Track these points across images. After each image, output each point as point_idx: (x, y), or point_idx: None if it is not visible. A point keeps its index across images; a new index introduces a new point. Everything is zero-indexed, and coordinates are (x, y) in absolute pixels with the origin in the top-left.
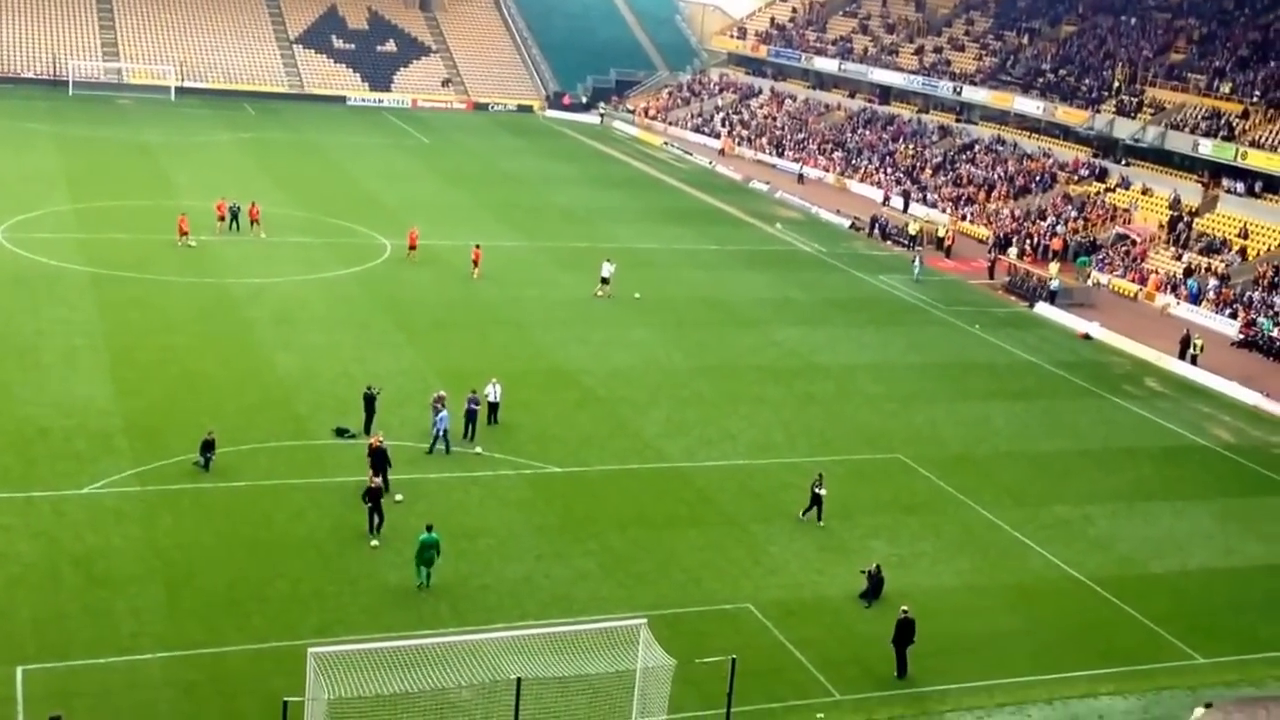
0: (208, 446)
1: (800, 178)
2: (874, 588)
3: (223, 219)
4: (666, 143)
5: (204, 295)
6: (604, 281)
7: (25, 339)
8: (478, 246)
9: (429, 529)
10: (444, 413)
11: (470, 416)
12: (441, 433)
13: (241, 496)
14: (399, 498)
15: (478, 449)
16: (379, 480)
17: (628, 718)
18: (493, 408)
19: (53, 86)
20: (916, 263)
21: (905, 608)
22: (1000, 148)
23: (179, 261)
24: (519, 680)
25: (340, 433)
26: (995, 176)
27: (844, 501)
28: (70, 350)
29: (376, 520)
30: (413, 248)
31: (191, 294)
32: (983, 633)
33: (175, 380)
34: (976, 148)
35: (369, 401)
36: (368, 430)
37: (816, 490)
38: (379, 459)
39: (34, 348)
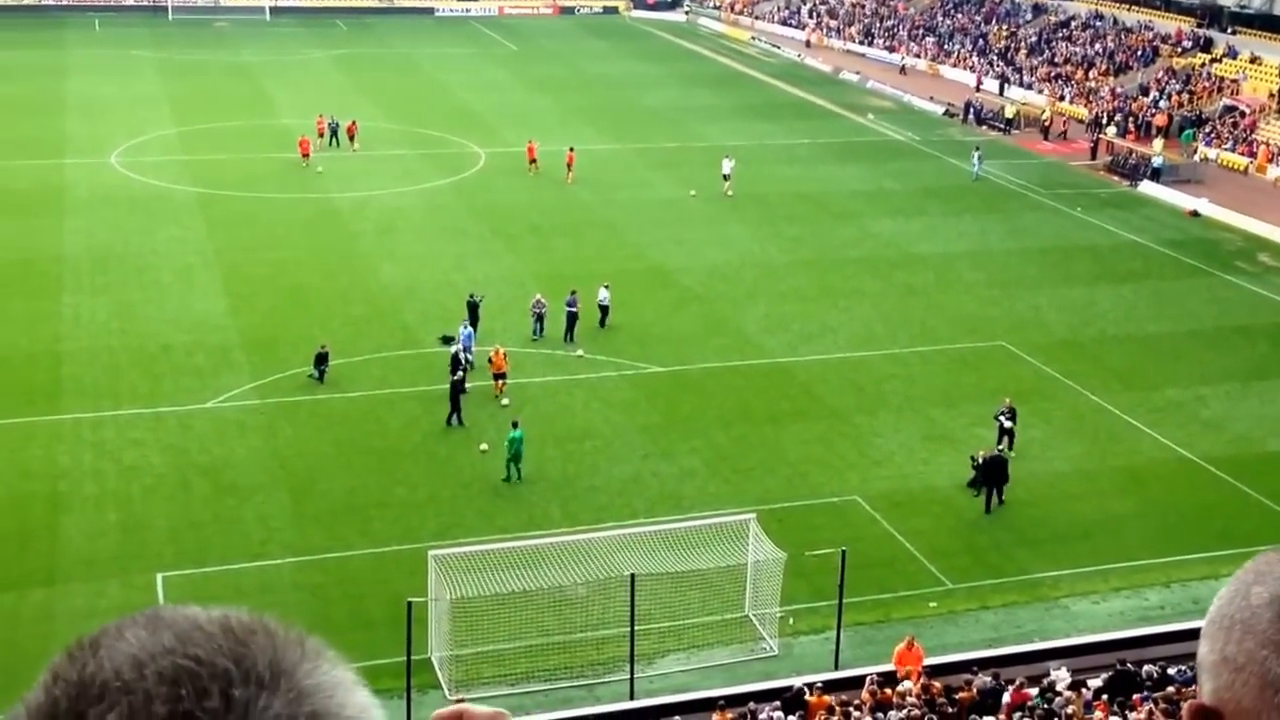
0: (321, 359)
1: (902, 69)
2: (989, 476)
3: (322, 135)
4: (754, 37)
5: (308, 210)
6: (725, 178)
7: (143, 259)
8: (570, 150)
9: (514, 425)
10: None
11: (570, 319)
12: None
13: (356, 406)
14: (484, 447)
15: (580, 352)
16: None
17: (741, 609)
18: (603, 311)
19: (153, 13)
20: (976, 160)
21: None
22: (1098, 23)
23: (283, 178)
24: (633, 576)
25: (446, 340)
26: (1093, 54)
27: (947, 391)
28: (185, 268)
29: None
30: (533, 161)
31: (296, 209)
32: (1096, 517)
33: (285, 294)
34: (1073, 25)
35: (472, 309)
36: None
37: (1004, 421)
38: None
39: (151, 267)
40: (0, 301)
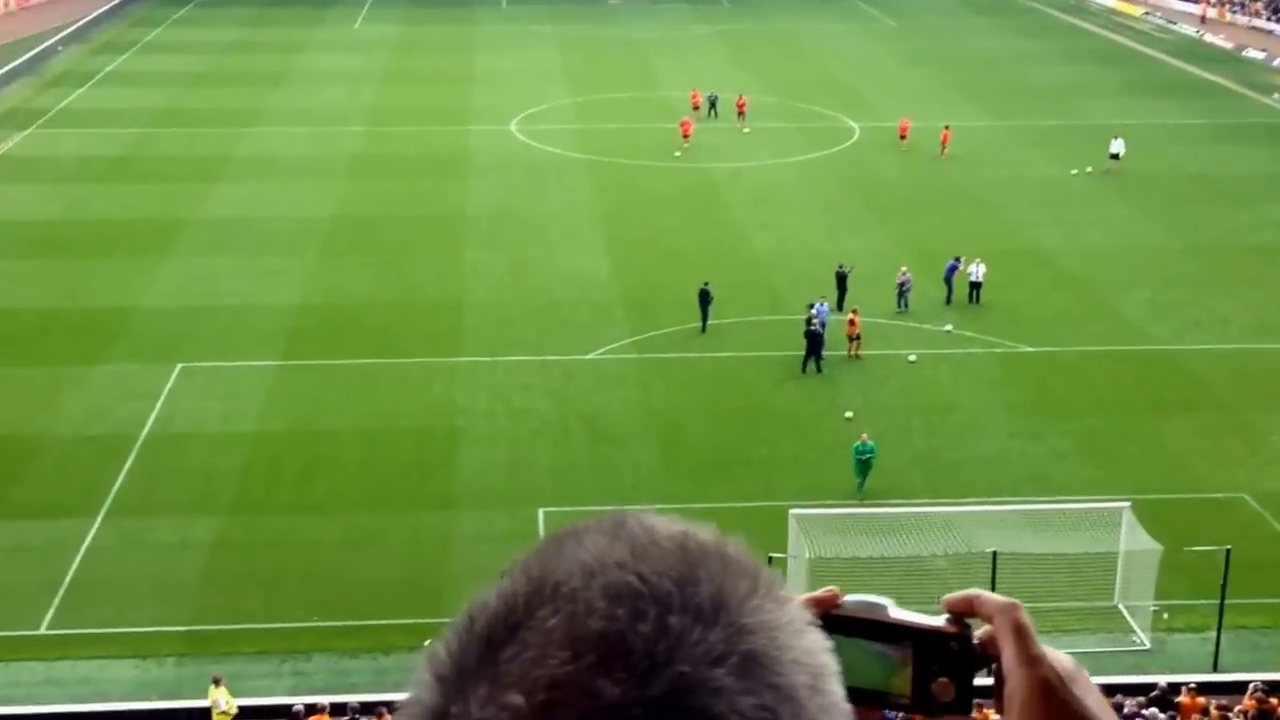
0: (704, 298)
1: None
2: None
3: (697, 108)
4: (1147, 12)
5: (686, 179)
6: (1114, 158)
7: (536, 220)
8: (946, 127)
9: (863, 437)
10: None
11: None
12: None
13: (725, 366)
14: (849, 415)
15: (948, 327)
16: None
17: (1110, 599)
18: (974, 286)
19: None
20: None
21: None
22: None
23: (663, 148)
24: (995, 554)
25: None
26: None
27: None
28: (573, 230)
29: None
30: (903, 136)
31: (675, 178)
32: None
33: (662, 258)
34: None
35: (840, 279)
36: (840, 308)
37: None
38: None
39: (543, 227)
40: (413, 253)
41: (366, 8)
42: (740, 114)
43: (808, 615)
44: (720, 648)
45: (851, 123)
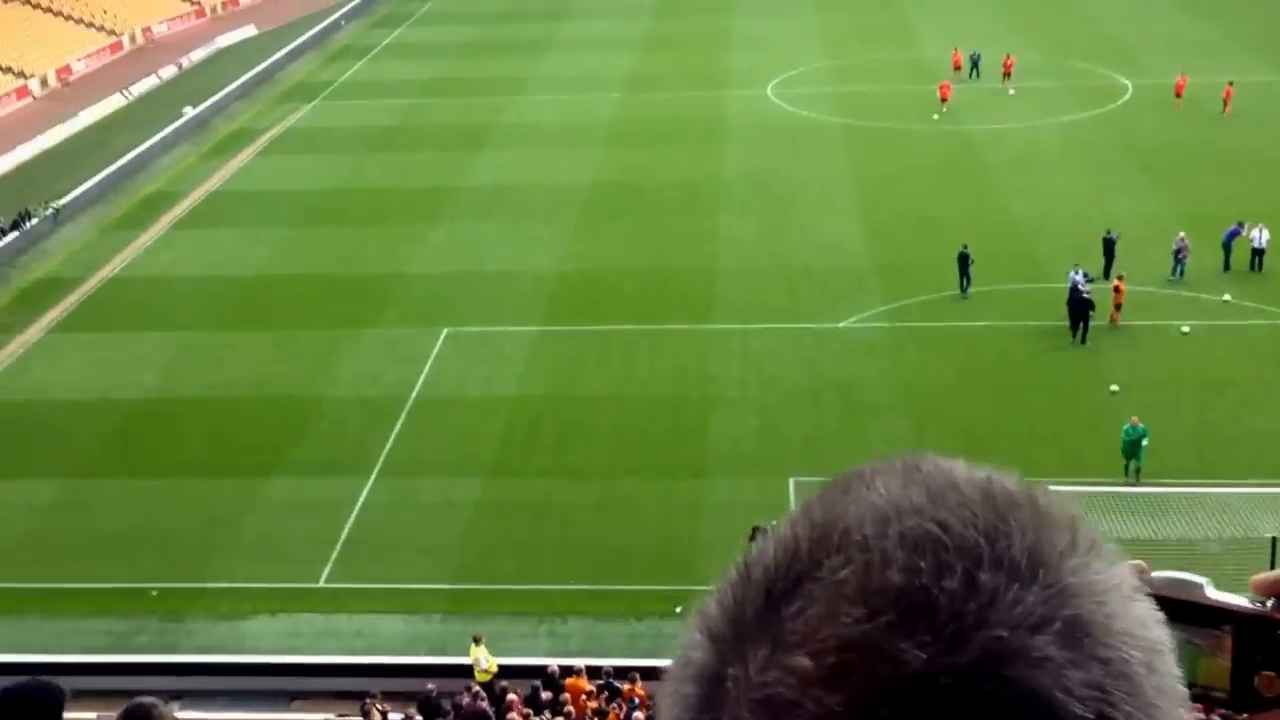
0: (964, 261)
1: None
2: None
3: (958, 68)
4: None
5: (945, 143)
6: None
7: (789, 186)
8: (1229, 83)
9: (1134, 421)
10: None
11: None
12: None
13: (981, 336)
14: (1114, 389)
15: (1226, 297)
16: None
17: None
18: (1257, 253)
19: None
20: None
21: None
22: None
23: (922, 110)
24: (1274, 540)
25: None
26: None
27: None
28: (827, 196)
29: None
30: (1179, 94)
31: (934, 142)
32: None
33: (918, 224)
34: None
35: (1108, 246)
36: (1106, 275)
37: None
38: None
39: (798, 193)
40: (666, 220)
41: None
42: (1007, 74)
43: (1135, 580)
44: (1040, 611)
45: (1123, 80)
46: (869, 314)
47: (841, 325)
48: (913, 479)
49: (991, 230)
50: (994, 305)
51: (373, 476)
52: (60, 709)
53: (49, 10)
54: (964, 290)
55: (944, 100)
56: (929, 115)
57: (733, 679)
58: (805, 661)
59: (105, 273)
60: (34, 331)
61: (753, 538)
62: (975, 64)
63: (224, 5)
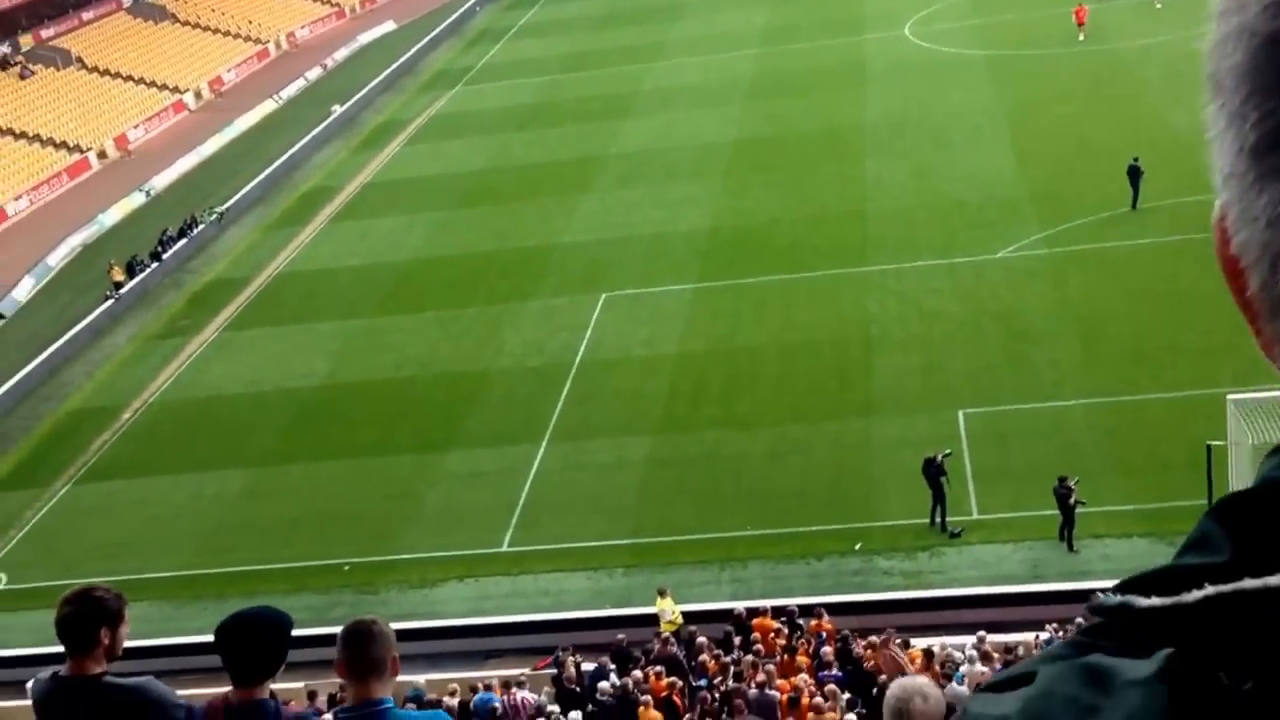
0: (1134, 174)
1: None
2: None
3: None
4: None
5: (1093, 63)
6: None
7: (936, 122)
8: None
9: None
10: None
11: None
12: None
13: (1144, 253)
14: None
15: None
16: None
17: None
18: None
19: None
20: None
21: None
22: None
23: (1067, 33)
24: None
25: None
26: None
27: None
28: (974, 129)
29: None
30: None
31: (1080, 64)
32: None
33: (1071, 148)
34: None
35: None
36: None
37: None
38: None
39: (943, 129)
40: (812, 168)
41: None
42: (1080, 24)
43: None
44: None
45: None
46: (1027, 242)
47: (999, 255)
48: None
49: (1150, 146)
50: (1158, 221)
51: (544, 442)
52: (288, 631)
53: (197, 25)
54: (1134, 205)
55: (1080, 25)
56: (1074, 38)
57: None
58: None
59: (271, 270)
60: (209, 332)
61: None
62: None
63: (362, 4)
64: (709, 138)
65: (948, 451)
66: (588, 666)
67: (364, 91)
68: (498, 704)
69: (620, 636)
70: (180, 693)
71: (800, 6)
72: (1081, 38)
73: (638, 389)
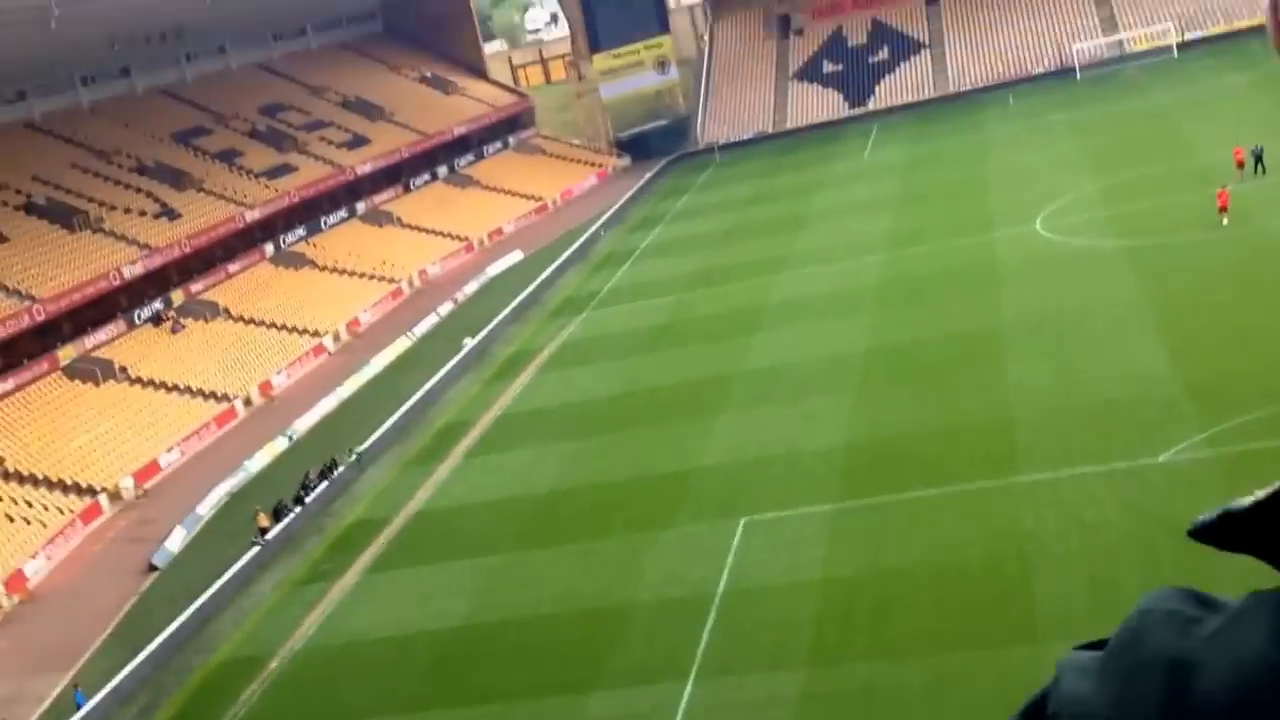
0: (1257, 157)
1: None
2: None
3: (1241, 165)
4: None
5: (1241, 247)
6: None
7: (1077, 319)
8: None
9: None
10: None
11: None
12: None
13: None
14: None
15: None
16: None
17: None
18: None
19: (1060, 76)
20: None
21: None
22: None
23: (1206, 218)
24: None
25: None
26: None
27: None
28: (1118, 323)
29: None
30: None
31: (1226, 249)
32: None
33: (1227, 339)
34: None
35: None
36: None
37: None
38: None
39: (1086, 325)
40: (950, 374)
41: (874, 134)
42: (1239, 166)
43: None
44: None
45: None
46: (1189, 443)
47: (1161, 459)
48: None
49: None
50: None
51: (690, 679)
52: None
53: (334, 270)
54: None
55: (1223, 210)
56: (1215, 223)
57: None
58: None
59: (410, 509)
60: (350, 575)
61: None
62: (1259, 159)
63: (490, 237)
64: (840, 348)
65: None
66: None
67: (494, 323)
68: None
69: None
70: None
71: (925, 208)
72: (1225, 221)
73: (784, 618)
